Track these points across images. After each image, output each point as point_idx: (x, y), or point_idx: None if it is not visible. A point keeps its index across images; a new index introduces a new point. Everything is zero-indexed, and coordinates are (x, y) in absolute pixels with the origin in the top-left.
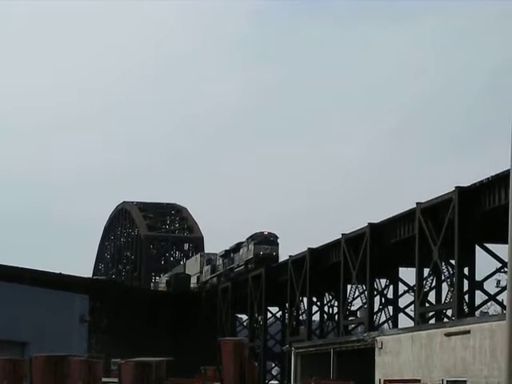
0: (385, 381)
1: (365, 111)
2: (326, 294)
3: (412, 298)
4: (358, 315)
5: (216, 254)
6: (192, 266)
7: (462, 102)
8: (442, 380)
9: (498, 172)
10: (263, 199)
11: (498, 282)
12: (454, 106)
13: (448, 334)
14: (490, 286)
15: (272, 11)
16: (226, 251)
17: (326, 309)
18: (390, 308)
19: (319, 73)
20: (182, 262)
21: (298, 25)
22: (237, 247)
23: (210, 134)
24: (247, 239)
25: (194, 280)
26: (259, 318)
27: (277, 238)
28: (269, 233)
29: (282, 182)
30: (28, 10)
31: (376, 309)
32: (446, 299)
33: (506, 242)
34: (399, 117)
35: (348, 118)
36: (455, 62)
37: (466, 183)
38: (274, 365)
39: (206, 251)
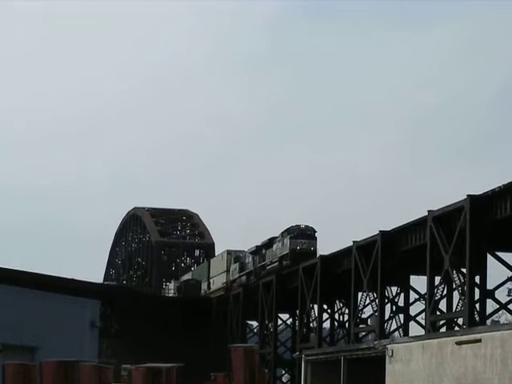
0: None
1: (375, 119)
2: (337, 302)
3: (423, 306)
4: (369, 323)
5: (244, 251)
6: (217, 264)
7: (474, 110)
8: None
9: (510, 180)
10: (274, 207)
11: (510, 290)
12: (465, 113)
13: (459, 343)
14: (502, 295)
15: (280, 22)
16: (256, 247)
17: (336, 316)
18: (401, 316)
19: (328, 82)
20: (192, 268)
21: (306, 34)
22: (269, 242)
23: (221, 141)
24: (282, 233)
25: (222, 279)
26: (270, 325)
27: (315, 231)
28: (306, 226)
29: (293, 189)
30: (29, 27)
31: (387, 317)
32: (457, 308)
33: None
34: (411, 124)
35: (359, 125)
36: (466, 71)
37: (477, 191)
38: (284, 372)
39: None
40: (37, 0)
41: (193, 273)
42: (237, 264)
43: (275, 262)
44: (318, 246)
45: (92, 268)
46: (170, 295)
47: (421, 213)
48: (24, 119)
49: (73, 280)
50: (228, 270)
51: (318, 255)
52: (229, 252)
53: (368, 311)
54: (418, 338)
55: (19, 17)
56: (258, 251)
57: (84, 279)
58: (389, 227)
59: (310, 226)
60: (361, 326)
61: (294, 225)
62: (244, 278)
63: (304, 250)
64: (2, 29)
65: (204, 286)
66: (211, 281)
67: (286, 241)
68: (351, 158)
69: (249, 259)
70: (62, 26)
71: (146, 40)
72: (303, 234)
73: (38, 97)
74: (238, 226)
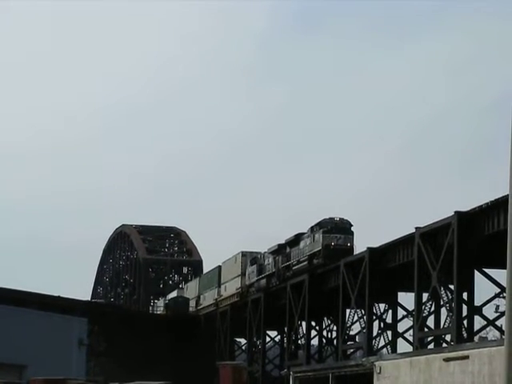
0: None
1: (365, 136)
2: (325, 319)
3: (411, 323)
4: (357, 340)
5: (261, 253)
6: (230, 268)
7: (463, 127)
8: None
9: (497, 197)
10: (263, 224)
11: (497, 307)
12: (455, 130)
13: (447, 359)
14: (489, 311)
15: (275, 35)
16: (279, 246)
17: (324, 333)
18: (389, 333)
19: (323, 96)
20: (180, 286)
21: (301, 48)
22: (295, 239)
23: (209, 159)
24: (311, 228)
25: (237, 284)
26: (258, 342)
27: (351, 225)
28: (341, 219)
29: (282, 206)
30: (33, 40)
31: (375, 333)
32: (444, 324)
33: (505, 267)
34: (400, 141)
35: (349, 142)
36: (458, 86)
37: (465, 208)
38: None
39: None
40: (31, 11)
41: (200, 279)
42: (254, 266)
43: (303, 260)
44: (355, 242)
45: (80, 286)
46: (158, 312)
47: (408, 229)
48: (15, 132)
49: (60, 298)
50: (243, 274)
51: (355, 252)
52: (243, 253)
53: (356, 328)
54: (405, 354)
55: (15, 29)
56: (280, 250)
57: (72, 297)
58: (376, 244)
59: (346, 218)
60: (349, 342)
61: (326, 218)
62: (263, 281)
63: (339, 246)
64: None
65: (214, 293)
66: (223, 287)
67: (318, 236)
68: (338, 175)
69: (269, 260)
70: (55, 37)
71: (139, 56)
72: (338, 228)
73: (27, 110)
74: (227, 243)
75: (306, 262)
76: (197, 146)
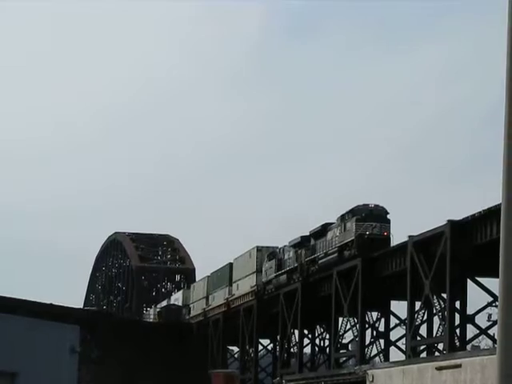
0: None
1: (360, 142)
2: (318, 327)
3: (403, 332)
4: (350, 348)
5: (278, 247)
6: (244, 265)
7: (459, 135)
8: None
9: (490, 206)
10: (257, 231)
11: (490, 315)
12: (449, 137)
13: (439, 368)
14: (482, 320)
15: (270, 38)
16: (301, 238)
17: (317, 341)
18: (382, 341)
19: (318, 102)
20: (173, 293)
21: (297, 51)
22: (322, 230)
23: (203, 166)
24: (341, 216)
25: (251, 281)
26: (250, 350)
27: (387, 212)
28: (376, 205)
29: (277, 212)
30: (27, 48)
31: (367, 342)
32: (437, 333)
33: (498, 276)
34: (394, 148)
35: (343, 148)
36: (455, 91)
37: (459, 216)
38: None
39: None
40: (31, 12)
41: (209, 278)
42: (272, 261)
43: (332, 253)
44: (391, 231)
45: (72, 293)
46: (151, 320)
47: (402, 237)
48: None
49: (52, 305)
50: (259, 270)
51: (392, 243)
52: (259, 248)
53: (349, 336)
54: (398, 363)
55: (15, 30)
56: (303, 243)
57: (64, 304)
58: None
59: (381, 205)
60: (341, 351)
61: (360, 204)
62: (284, 277)
63: (375, 235)
64: None
65: (225, 292)
66: (235, 285)
67: (351, 225)
68: (332, 181)
69: (290, 254)
70: (54, 38)
71: (133, 64)
72: (373, 216)
73: (26, 110)
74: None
75: (335, 255)
76: (194, 149)
